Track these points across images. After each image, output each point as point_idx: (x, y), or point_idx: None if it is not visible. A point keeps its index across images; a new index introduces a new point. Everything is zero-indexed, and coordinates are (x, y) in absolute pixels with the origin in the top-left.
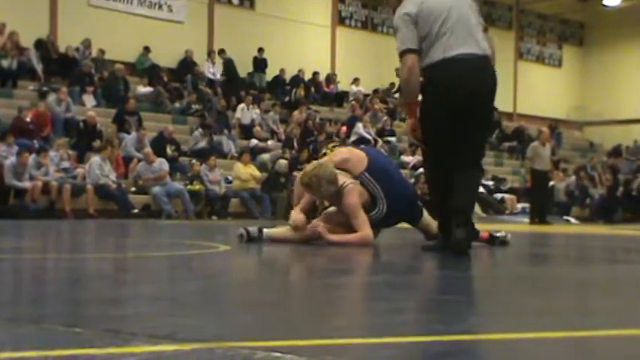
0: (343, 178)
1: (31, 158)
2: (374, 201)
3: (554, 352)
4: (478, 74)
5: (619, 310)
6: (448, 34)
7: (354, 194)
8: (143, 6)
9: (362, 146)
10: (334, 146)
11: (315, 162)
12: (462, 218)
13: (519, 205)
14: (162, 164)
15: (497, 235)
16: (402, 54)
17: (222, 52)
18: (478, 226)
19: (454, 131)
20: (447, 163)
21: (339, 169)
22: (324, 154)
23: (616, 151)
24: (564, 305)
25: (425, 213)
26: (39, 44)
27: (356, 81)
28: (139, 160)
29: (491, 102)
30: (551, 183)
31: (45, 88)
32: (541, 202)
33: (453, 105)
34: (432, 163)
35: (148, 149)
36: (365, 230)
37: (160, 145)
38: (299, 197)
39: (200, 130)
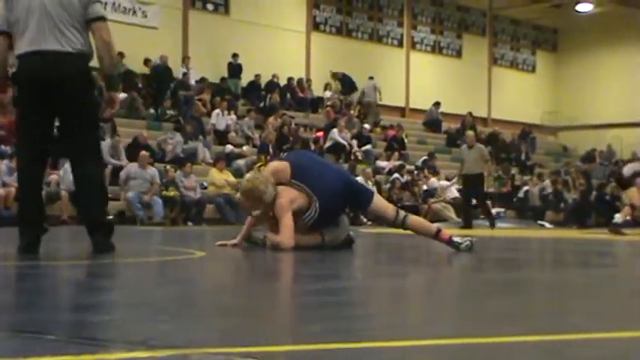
0: (278, 187)
1: (4, 164)
2: (311, 198)
3: (527, 356)
4: (56, 70)
5: (592, 314)
6: (31, 28)
7: (285, 195)
8: (117, 12)
9: (283, 155)
10: (260, 166)
11: (247, 176)
12: (94, 226)
13: (494, 210)
14: (154, 173)
15: (455, 240)
16: None
17: (148, 61)
18: (452, 231)
19: (42, 122)
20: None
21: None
22: None
23: (590, 156)
24: (537, 309)
25: (375, 199)
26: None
27: (328, 86)
28: (114, 167)
29: (77, 97)
30: (526, 187)
31: None
32: (469, 206)
33: (33, 97)
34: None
35: (144, 152)
36: (283, 236)
37: (134, 151)
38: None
39: (169, 134)
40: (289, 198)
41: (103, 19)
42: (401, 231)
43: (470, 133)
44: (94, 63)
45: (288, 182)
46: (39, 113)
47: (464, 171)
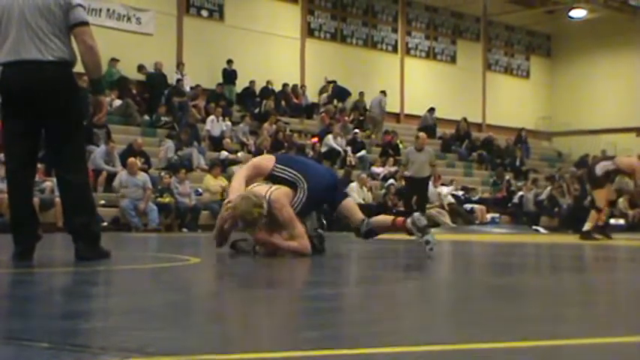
0: (261, 191)
1: None
2: (295, 186)
3: None
4: (37, 80)
5: (585, 320)
6: (11, 38)
7: (284, 203)
8: (112, 18)
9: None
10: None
11: (236, 198)
12: (78, 234)
13: (489, 216)
14: (146, 179)
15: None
16: None
17: (142, 68)
18: (448, 236)
19: (27, 131)
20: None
21: (252, 176)
22: None
23: (583, 162)
24: (531, 315)
25: (349, 199)
26: None
27: (325, 88)
28: (109, 173)
29: (60, 106)
30: (521, 193)
31: None
32: (412, 209)
33: (16, 106)
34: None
35: (132, 160)
36: (304, 241)
37: (129, 157)
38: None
39: (169, 142)
40: (287, 203)
41: (85, 23)
42: (393, 236)
43: (422, 134)
44: (81, 69)
45: (269, 170)
46: (23, 122)
47: (410, 173)
